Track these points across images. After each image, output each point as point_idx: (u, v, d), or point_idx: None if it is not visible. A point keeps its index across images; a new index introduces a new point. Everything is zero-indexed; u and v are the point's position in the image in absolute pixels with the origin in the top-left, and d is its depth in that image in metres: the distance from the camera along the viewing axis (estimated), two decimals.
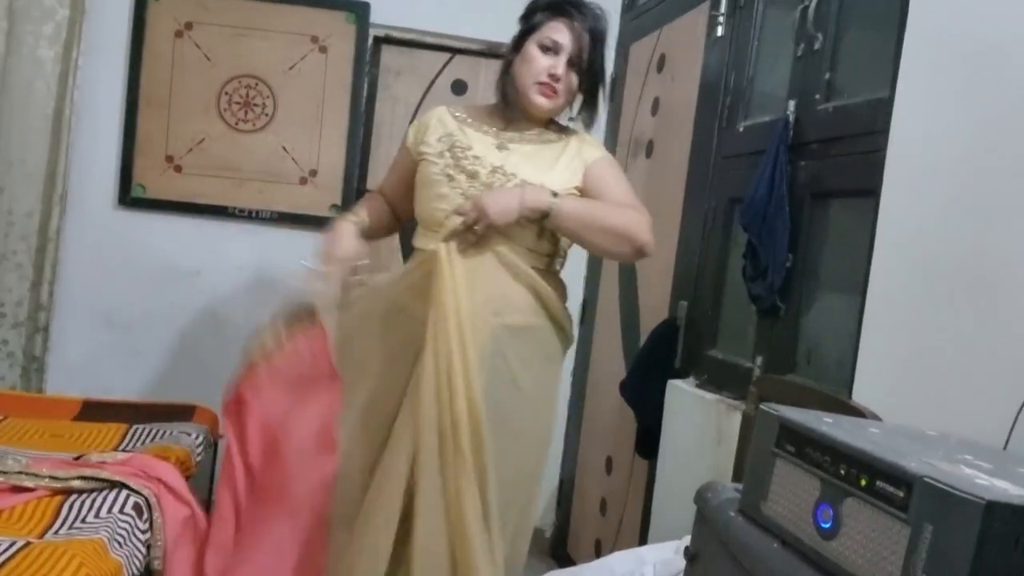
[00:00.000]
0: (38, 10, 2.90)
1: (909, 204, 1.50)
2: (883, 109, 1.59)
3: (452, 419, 1.64)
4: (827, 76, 1.83)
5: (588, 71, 1.88)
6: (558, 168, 1.87)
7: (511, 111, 1.92)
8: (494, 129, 1.91)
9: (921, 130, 1.50)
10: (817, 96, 1.84)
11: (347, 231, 1.88)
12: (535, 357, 1.83)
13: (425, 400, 1.64)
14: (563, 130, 1.96)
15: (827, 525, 0.97)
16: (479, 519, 1.63)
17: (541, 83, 1.85)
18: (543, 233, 1.83)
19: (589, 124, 1.97)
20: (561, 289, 1.93)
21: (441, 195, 1.83)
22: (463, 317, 1.68)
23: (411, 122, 2.29)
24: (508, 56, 1.92)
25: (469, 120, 1.93)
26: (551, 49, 1.85)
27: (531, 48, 1.86)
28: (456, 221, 1.75)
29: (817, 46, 1.86)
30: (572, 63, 1.86)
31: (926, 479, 0.84)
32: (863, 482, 0.92)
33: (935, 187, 1.44)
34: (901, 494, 0.87)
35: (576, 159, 1.89)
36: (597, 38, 1.88)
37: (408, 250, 2.06)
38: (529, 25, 1.89)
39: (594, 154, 1.92)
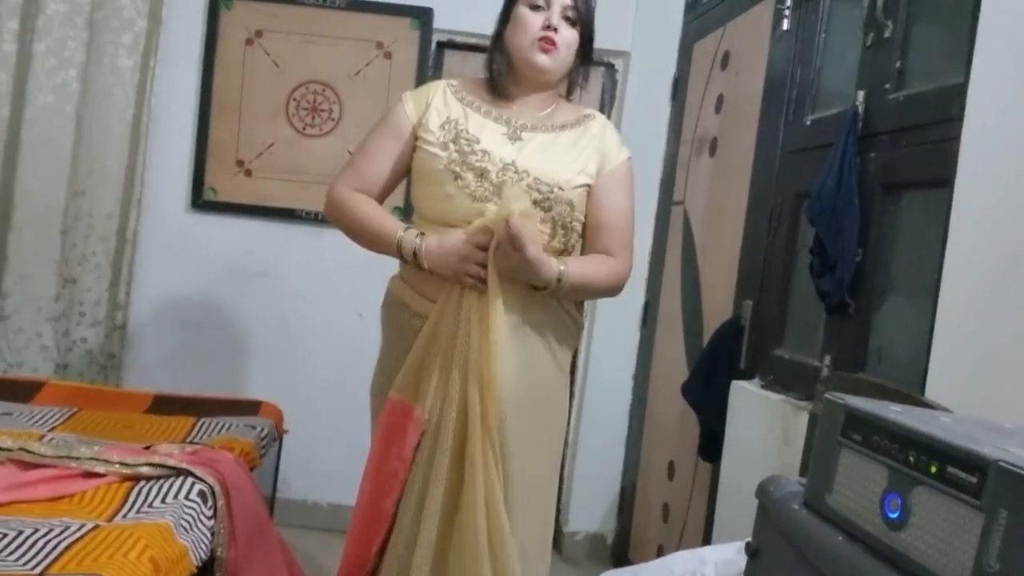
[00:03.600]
0: (117, 21, 3.03)
1: (985, 194, 1.44)
2: (957, 96, 1.53)
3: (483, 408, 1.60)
4: (898, 64, 1.77)
5: (582, 21, 1.75)
6: (574, 166, 1.74)
7: (513, 85, 1.76)
8: (504, 115, 1.75)
9: (997, 116, 1.43)
10: (887, 85, 1.78)
11: (445, 248, 1.66)
12: (555, 346, 1.75)
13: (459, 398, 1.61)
14: (578, 110, 1.83)
15: (895, 515, 0.92)
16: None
17: (539, 40, 1.71)
18: (556, 234, 1.72)
19: (583, 82, 1.84)
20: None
21: (447, 195, 1.68)
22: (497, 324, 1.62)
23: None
24: (497, 30, 1.79)
25: (474, 102, 1.76)
26: (541, 6, 1.72)
27: (520, 10, 1.73)
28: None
29: (887, 34, 1.81)
30: (566, 17, 1.73)
31: (1001, 463, 0.80)
32: (933, 469, 0.88)
33: (1012, 175, 1.38)
34: (974, 480, 0.82)
35: (594, 153, 1.76)
36: None
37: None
38: None
39: (615, 158, 1.79)
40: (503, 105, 1.77)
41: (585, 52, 1.80)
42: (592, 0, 1.79)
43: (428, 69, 3.14)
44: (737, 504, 2.06)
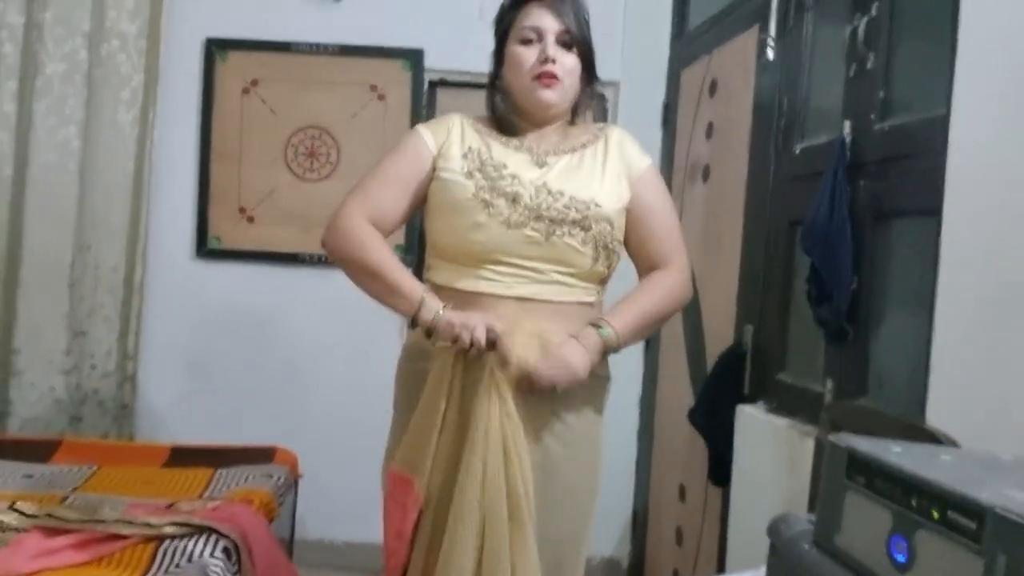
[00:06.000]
0: (115, 77, 3.09)
1: (972, 222, 1.48)
2: (940, 127, 1.57)
3: (510, 487, 1.50)
4: (881, 95, 1.82)
5: (582, 44, 1.66)
6: (606, 182, 1.66)
7: (521, 123, 1.68)
8: (524, 144, 1.66)
9: (980, 146, 1.48)
10: (872, 116, 1.83)
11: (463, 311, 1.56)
12: (583, 406, 1.65)
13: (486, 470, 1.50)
14: (591, 127, 1.75)
15: (901, 557, 0.96)
16: None
17: (537, 77, 1.62)
18: (599, 256, 1.63)
19: (592, 108, 1.77)
20: None
21: (478, 224, 1.57)
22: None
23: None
24: (492, 73, 1.72)
25: (492, 134, 1.68)
26: (533, 39, 1.63)
27: (513, 49, 1.65)
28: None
29: (869, 65, 1.86)
30: (562, 42, 1.64)
31: (998, 510, 0.84)
32: (935, 514, 0.92)
33: (999, 203, 1.42)
34: (974, 525, 0.86)
35: (620, 166, 1.69)
36: (577, 7, 1.68)
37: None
38: (502, 28, 1.69)
39: (639, 163, 1.71)
40: (518, 139, 1.68)
41: (589, 72, 1.70)
42: (584, 14, 1.70)
43: (422, 109, 3.20)
44: (748, 527, 2.10)
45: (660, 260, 1.70)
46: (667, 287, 1.69)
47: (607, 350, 1.61)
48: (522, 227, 1.57)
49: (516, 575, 1.48)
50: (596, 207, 1.62)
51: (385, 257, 1.59)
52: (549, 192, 1.60)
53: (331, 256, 1.66)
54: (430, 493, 1.54)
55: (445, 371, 1.54)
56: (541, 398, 1.57)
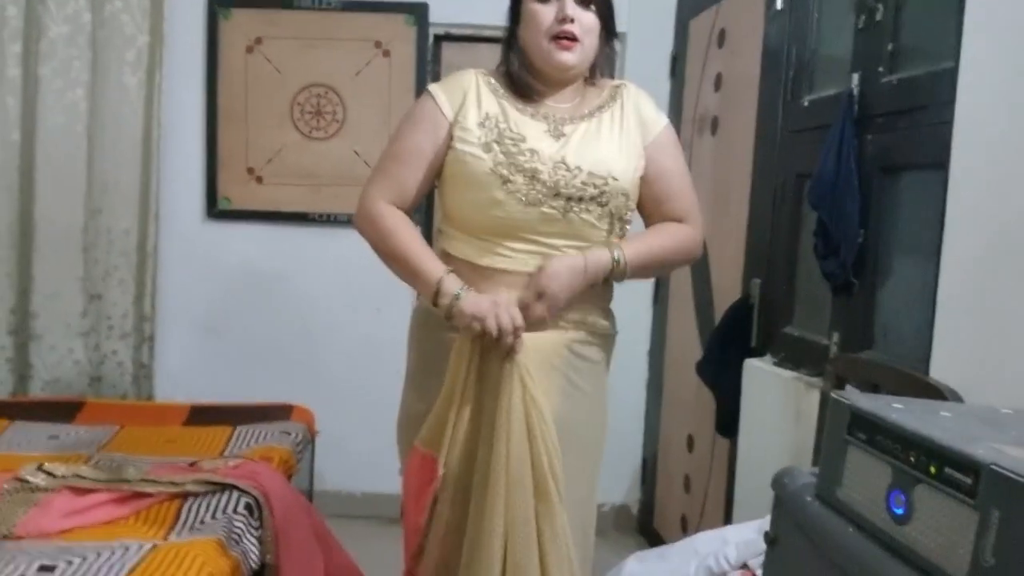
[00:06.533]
0: (119, 39, 3.08)
1: (979, 175, 1.49)
2: (948, 80, 1.57)
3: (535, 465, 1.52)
4: (890, 47, 1.81)
5: (600, 1, 1.60)
6: (623, 152, 1.62)
7: (537, 83, 1.63)
8: (540, 110, 1.62)
9: (988, 99, 1.48)
10: (881, 68, 1.82)
11: (482, 304, 1.54)
12: (593, 367, 1.67)
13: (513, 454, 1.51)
14: (607, 85, 1.69)
15: (900, 511, 1.00)
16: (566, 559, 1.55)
17: (555, 37, 1.57)
18: (613, 228, 1.62)
19: (611, 68, 1.71)
20: (611, 290, 1.71)
21: (496, 201, 1.55)
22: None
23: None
24: (508, 30, 1.66)
25: (509, 97, 1.62)
26: None
27: (530, 6, 1.59)
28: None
29: (878, 17, 1.84)
30: (580, 1, 1.58)
31: (992, 467, 0.87)
32: (933, 469, 0.95)
33: (1006, 157, 1.43)
34: (969, 481, 0.90)
35: (637, 132, 1.65)
36: None
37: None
38: None
39: (655, 127, 1.67)
40: (535, 101, 1.63)
41: (608, 29, 1.65)
42: None
43: (427, 64, 3.18)
44: (755, 477, 2.15)
45: (675, 219, 1.69)
46: (681, 236, 1.68)
47: (612, 273, 1.60)
48: (540, 204, 1.56)
49: (544, 552, 1.52)
50: (613, 181, 1.60)
51: (406, 242, 1.60)
52: (567, 168, 1.57)
53: (363, 237, 1.67)
54: (448, 472, 1.55)
55: (464, 353, 1.55)
56: (551, 359, 1.58)
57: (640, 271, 1.63)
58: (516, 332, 1.51)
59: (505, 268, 1.58)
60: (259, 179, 3.21)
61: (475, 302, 1.52)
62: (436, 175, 1.65)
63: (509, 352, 1.52)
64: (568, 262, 1.55)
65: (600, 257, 1.58)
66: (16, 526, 1.76)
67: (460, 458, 1.56)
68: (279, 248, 3.24)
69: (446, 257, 1.63)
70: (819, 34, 2.17)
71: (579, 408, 1.63)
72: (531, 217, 1.56)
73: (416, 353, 1.69)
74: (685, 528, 2.80)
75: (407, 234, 1.61)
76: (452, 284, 1.54)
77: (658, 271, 1.79)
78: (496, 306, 1.51)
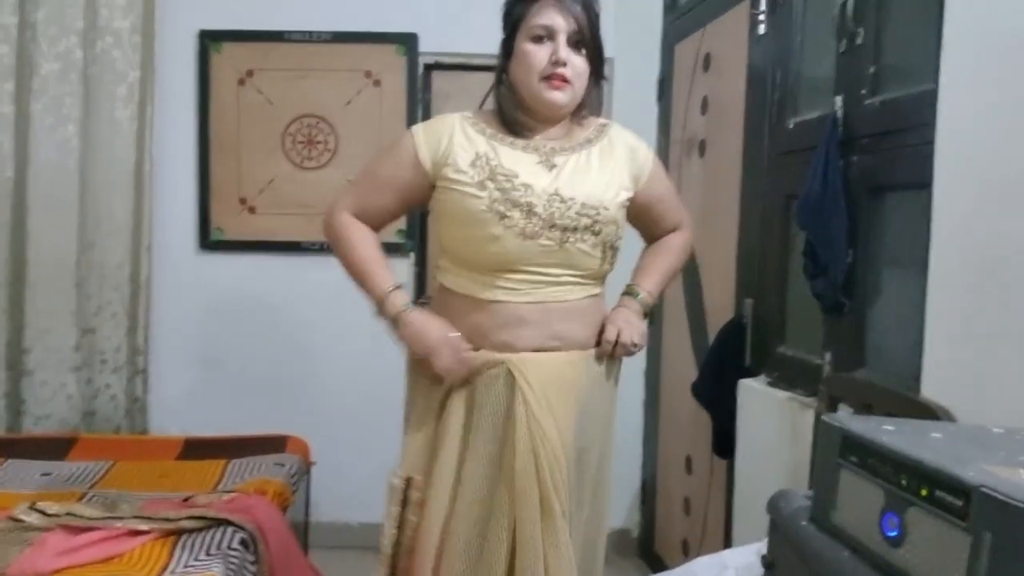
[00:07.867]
0: (111, 74, 3.10)
1: (962, 195, 1.50)
2: (930, 101, 1.58)
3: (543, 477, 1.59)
4: (872, 70, 1.83)
5: (592, 46, 1.66)
6: (612, 183, 1.70)
7: (527, 120, 1.69)
8: (531, 144, 1.67)
9: (968, 120, 1.49)
10: (863, 91, 1.84)
11: (428, 327, 1.65)
12: (604, 385, 1.76)
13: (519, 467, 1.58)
14: (593, 123, 1.76)
15: (893, 533, 1.00)
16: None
17: (547, 77, 1.62)
18: (605, 256, 1.72)
19: (598, 109, 1.76)
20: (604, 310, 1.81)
21: (494, 236, 1.60)
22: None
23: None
24: (500, 65, 1.71)
25: (496, 134, 1.68)
26: (544, 36, 1.63)
27: (523, 44, 1.64)
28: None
29: (859, 40, 1.86)
30: (573, 43, 1.63)
31: (983, 489, 0.87)
32: (924, 492, 0.95)
33: (987, 176, 1.44)
34: (960, 503, 0.90)
35: (625, 163, 1.73)
36: (589, 6, 1.66)
37: (421, 289, 1.95)
38: (512, 21, 1.67)
39: (645, 159, 1.77)
40: (525, 136, 1.69)
41: (597, 72, 1.71)
42: (596, 7, 1.69)
43: (417, 92, 3.20)
44: (753, 499, 2.14)
45: (672, 230, 1.88)
46: (680, 247, 1.89)
47: (644, 312, 1.80)
48: (537, 237, 1.61)
49: (549, 565, 1.55)
50: (605, 210, 1.67)
51: (363, 253, 1.70)
52: (561, 200, 1.63)
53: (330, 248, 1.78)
54: (438, 498, 1.61)
55: (459, 392, 1.64)
56: (564, 375, 1.66)
57: (660, 294, 1.88)
58: (463, 365, 1.62)
59: (507, 300, 1.64)
60: (252, 209, 3.22)
61: (420, 333, 1.64)
62: (410, 206, 1.78)
63: (463, 383, 1.63)
64: (625, 315, 1.76)
65: (633, 305, 1.78)
66: (10, 566, 1.75)
67: (452, 487, 1.61)
68: (273, 278, 3.24)
69: (445, 292, 1.70)
70: (802, 58, 2.20)
71: (594, 427, 1.69)
72: (529, 250, 1.62)
73: (416, 394, 1.74)
74: (687, 552, 2.78)
75: (366, 248, 1.71)
76: (397, 297, 1.66)
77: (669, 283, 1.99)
78: (443, 343, 1.62)
